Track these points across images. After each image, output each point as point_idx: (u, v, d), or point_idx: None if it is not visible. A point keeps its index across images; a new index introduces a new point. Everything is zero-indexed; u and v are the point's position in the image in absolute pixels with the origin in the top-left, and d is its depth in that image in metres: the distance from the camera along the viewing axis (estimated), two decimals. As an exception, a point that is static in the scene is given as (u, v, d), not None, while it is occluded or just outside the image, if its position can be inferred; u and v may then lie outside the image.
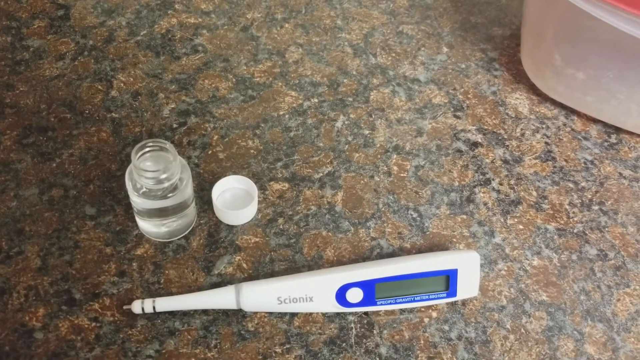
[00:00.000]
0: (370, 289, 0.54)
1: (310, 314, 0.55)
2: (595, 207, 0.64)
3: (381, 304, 0.54)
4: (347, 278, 0.53)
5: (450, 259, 0.55)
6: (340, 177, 0.64)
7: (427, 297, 0.55)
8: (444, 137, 0.68)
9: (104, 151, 0.63)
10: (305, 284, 0.54)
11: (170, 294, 0.55)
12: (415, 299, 0.55)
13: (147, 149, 0.52)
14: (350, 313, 0.55)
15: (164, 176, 0.52)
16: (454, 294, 0.55)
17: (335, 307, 0.54)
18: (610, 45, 0.63)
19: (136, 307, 0.52)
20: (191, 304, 0.53)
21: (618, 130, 0.71)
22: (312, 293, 0.53)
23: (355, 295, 0.53)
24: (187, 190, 0.55)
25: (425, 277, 0.54)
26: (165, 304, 0.53)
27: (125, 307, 0.53)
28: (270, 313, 0.54)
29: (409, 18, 0.80)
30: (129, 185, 0.53)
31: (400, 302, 0.55)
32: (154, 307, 0.52)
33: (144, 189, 0.53)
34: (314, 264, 0.58)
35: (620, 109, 0.69)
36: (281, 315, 0.54)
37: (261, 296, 0.53)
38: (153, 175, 0.52)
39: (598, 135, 0.71)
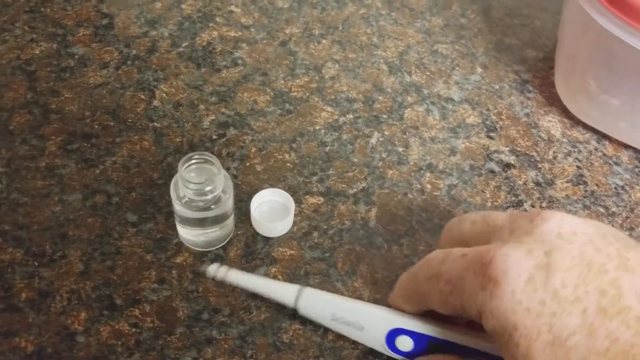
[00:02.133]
0: (422, 343, 0.51)
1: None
2: (625, 233, 0.65)
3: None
4: (400, 322, 0.51)
5: None
6: (374, 194, 0.65)
7: None
8: (477, 157, 0.69)
9: (146, 160, 0.65)
10: (361, 310, 0.53)
11: (209, 303, 0.56)
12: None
13: (193, 161, 0.54)
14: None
15: (208, 188, 0.54)
16: None
17: (383, 348, 0.52)
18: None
19: (211, 270, 0.54)
20: (256, 285, 0.54)
21: (649, 156, 0.72)
22: (364, 323, 0.52)
23: (405, 343, 0.51)
24: (229, 203, 0.56)
25: (486, 353, 0.50)
26: (235, 276, 0.54)
27: (201, 268, 0.57)
28: (305, 325, 0.56)
29: (443, 37, 0.82)
30: (173, 194, 0.55)
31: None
32: (225, 276, 0.54)
33: (187, 199, 0.55)
34: (348, 279, 0.59)
35: (652, 136, 0.69)
36: (315, 328, 0.56)
37: (319, 306, 0.53)
38: (197, 187, 0.53)
39: (629, 160, 0.71)
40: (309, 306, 0.53)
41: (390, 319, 0.52)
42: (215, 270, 0.54)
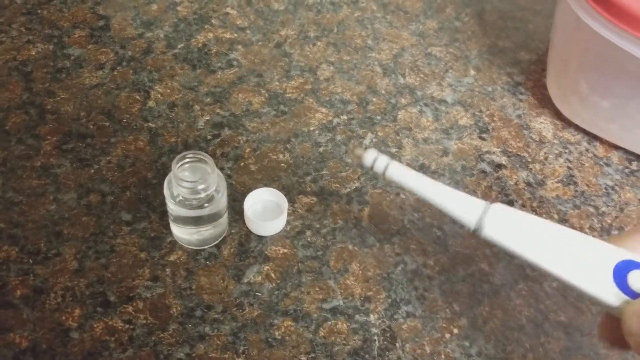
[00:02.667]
0: None
1: (335, 324, 0.56)
2: (615, 232, 0.66)
3: None
4: (637, 257, 0.38)
5: None
6: (367, 193, 0.66)
7: None
8: (469, 158, 0.70)
9: (141, 159, 0.66)
10: (574, 236, 0.40)
11: (202, 300, 0.57)
12: None
13: (187, 160, 0.55)
14: (374, 325, 0.57)
15: (201, 187, 0.54)
16: None
17: (604, 282, 0.37)
18: (636, 76, 0.64)
19: (369, 157, 0.44)
20: (424, 190, 0.43)
21: (639, 157, 0.72)
22: (579, 246, 0.39)
23: None
24: (222, 201, 0.57)
25: None
26: (399, 173, 0.43)
27: (355, 151, 0.46)
28: (296, 322, 0.56)
29: (437, 40, 0.82)
30: (167, 193, 0.56)
31: None
32: (385, 170, 0.44)
33: (180, 197, 0.55)
34: (340, 277, 0.60)
35: (643, 138, 0.70)
36: (307, 324, 0.56)
37: (514, 222, 0.42)
38: (191, 186, 0.54)
39: (619, 161, 0.72)
40: (501, 222, 0.41)
41: (621, 251, 0.39)
42: (372, 158, 0.44)
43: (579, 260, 0.39)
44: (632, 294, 0.37)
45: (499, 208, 0.43)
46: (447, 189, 0.43)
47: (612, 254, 0.38)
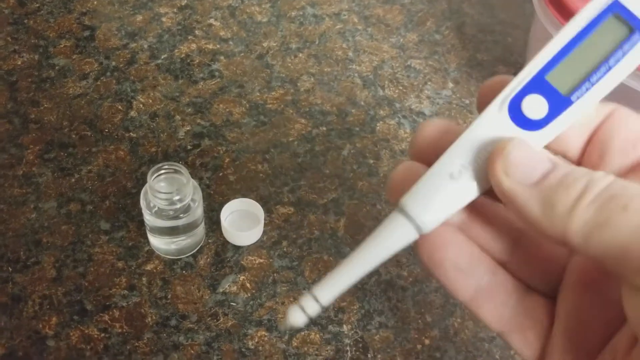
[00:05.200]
0: (548, 91, 0.30)
1: (309, 334, 0.57)
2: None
3: (577, 98, 0.29)
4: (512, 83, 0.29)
5: None
6: (343, 204, 0.67)
7: (619, 53, 0.29)
8: (446, 170, 0.71)
9: (121, 169, 0.67)
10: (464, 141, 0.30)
11: (177, 310, 0.58)
12: (610, 64, 0.29)
13: (163, 171, 0.56)
14: (347, 336, 0.58)
15: (176, 197, 0.55)
16: None
17: (507, 126, 0.29)
18: (609, 95, 0.65)
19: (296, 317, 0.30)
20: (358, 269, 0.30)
21: (614, 171, 0.74)
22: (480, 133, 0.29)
23: (535, 106, 0.29)
24: (198, 211, 0.58)
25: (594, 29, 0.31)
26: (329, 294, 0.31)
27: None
28: (270, 332, 0.57)
29: (417, 53, 0.84)
30: (143, 204, 0.57)
31: (597, 81, 0.30)
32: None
33: (156, 208, 0.56)
34: (315, 287, 0.61)
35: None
36: (280, 335, 0.57)
37: (434, 194, 0.30)
38: (167, 197, 0.55)
39: (594, 175, 0.73)
40: (429, 209, 0.29)
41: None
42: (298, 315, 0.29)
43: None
44: (530, 124, 0.30)
45: (412, 201, 0.31)
46: (372, 243, 0.31)
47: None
